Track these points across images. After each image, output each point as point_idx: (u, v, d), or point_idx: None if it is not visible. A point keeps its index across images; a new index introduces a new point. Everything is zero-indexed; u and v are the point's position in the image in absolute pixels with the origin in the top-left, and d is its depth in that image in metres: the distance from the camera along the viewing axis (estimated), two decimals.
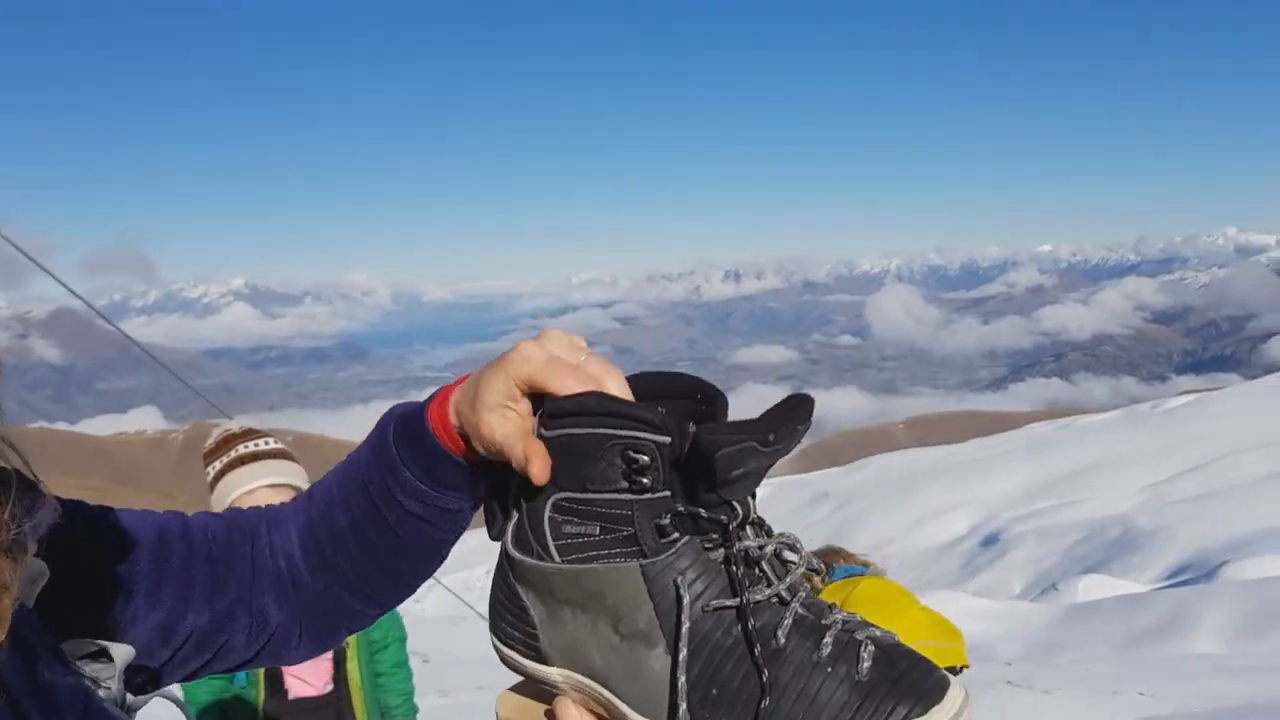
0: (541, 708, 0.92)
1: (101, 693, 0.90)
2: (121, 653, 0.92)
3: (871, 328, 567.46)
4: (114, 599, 1.03)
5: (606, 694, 0.84)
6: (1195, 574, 28.57)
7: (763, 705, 0.76)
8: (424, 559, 1.10)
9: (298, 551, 1.13)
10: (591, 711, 0.86)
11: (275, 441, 3.73)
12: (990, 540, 42.17)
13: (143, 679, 1.03)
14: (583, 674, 0.85)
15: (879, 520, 51.27)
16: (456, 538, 1.10)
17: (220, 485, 3.57)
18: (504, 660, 0.92)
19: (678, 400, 0.87)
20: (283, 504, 1.20)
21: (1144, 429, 57.63)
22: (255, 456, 3.59)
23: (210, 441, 3.73)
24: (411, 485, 1.03)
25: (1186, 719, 9.51)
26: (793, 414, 0.82)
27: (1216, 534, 32.37)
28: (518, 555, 0.88)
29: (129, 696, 0.92)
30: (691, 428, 0.83)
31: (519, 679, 0.94)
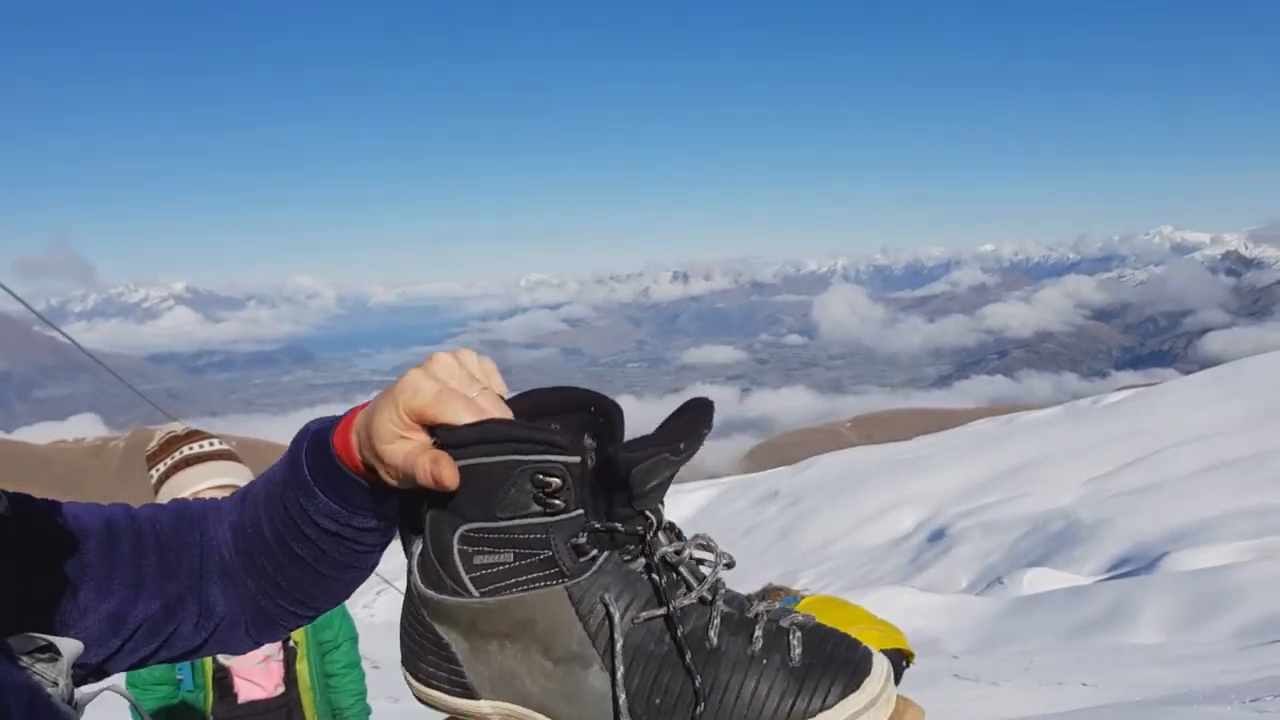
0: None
1: (49, 689, 0.88)
2: (69, 648, 0.91)
3: (819, 327, 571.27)
4: (62, 592, 1.02)
5: None
6: (1136, 566, 29.05)
7: (698, 710, 0.77)
8: (350, 570, 1.09)
9: (230, 549, 1.12)
10: None
11: (220, 443, 3.68)
12: (936, 536, 42.62)
13: (88, 670, 1.01)
14: (518, 704, 0.84)
15: (827, 518, 51.64)
16: (382, 549, 1.08)
17: (165, 488, 3.51)
18: (426, 701, 0.89)
19: (571, 415, 0.85)
20: (224, 498, 1.19)
21: (1084, 424, 58.56)
22: (200, 458, 3.55)
23: (154, 444, 3.66)
24: (325, 505, 1.02)
25: (1127, 708, 9.67)
26: (697, 420, 0.82)
27: (1156, 526, 32.96)
28: (431, 594, 0.86)
29: (76, 692, 0.90)
30: (588, 441, 0.83)
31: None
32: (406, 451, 0.88)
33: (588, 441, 0.83)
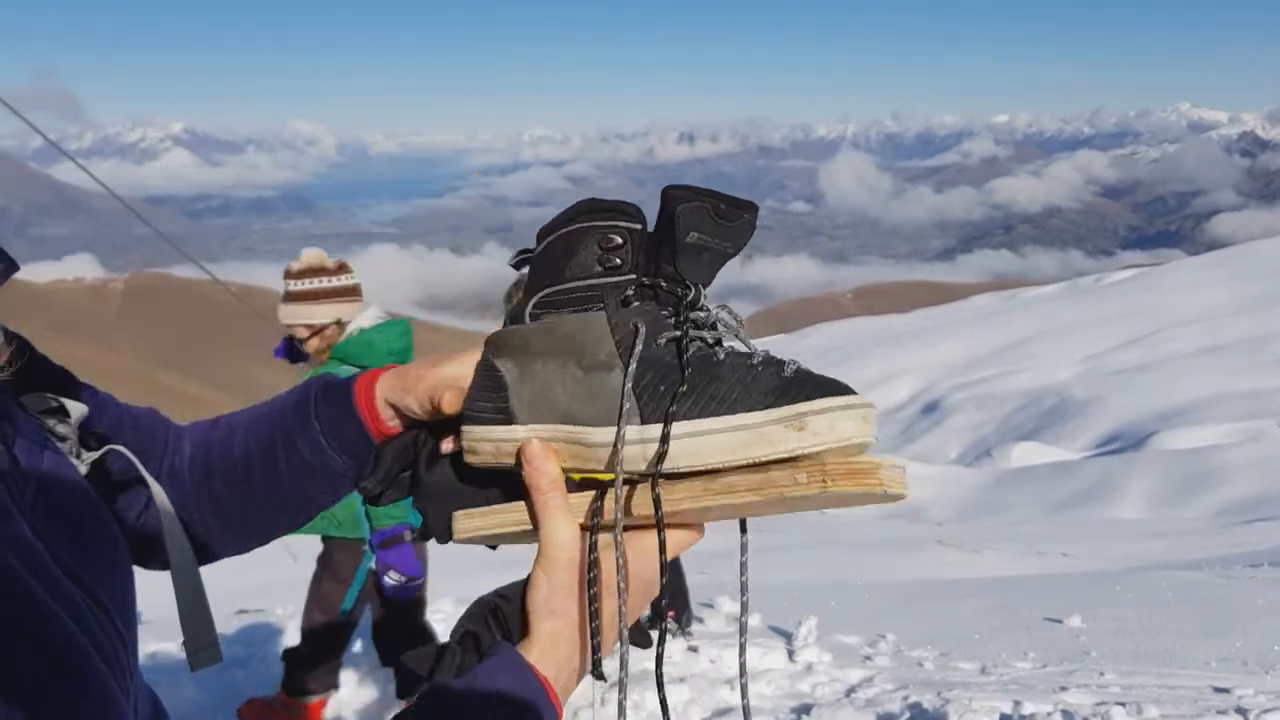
0: (493, 513, 1.00)
1: (59, 445, 0.96)
2: (77, 409, 0.99)
3: (825, 195, 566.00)
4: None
5: (568, 429, 0.94)
6: (1125, 443, 29.33)
7: (682, 389, 0.88)
8: (289, 510, 1.17)
9: (185, 464, 1.17)
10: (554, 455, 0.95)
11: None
12: (930, 408, 42.94)
13: (94, 440, 1.04)
14: (548, 421, 0.94)
15: None
16: (326, 503, 1.17)
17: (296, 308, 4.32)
18: (470, 445, 0.99)
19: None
20: (190, 424, 1.23)
21: (1086, 302, 58.50)
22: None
23: (300, 264, 4.37)
24: (314, 437, 1.11)
25: (1102, 574, 9.85)
26: (740, 204, 0.92)
27: (1147, 405, 33.20)
28: (498, 334, 0.99)
29: (83, 451, 0.97)
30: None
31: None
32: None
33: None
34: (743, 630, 0.94)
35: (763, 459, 0.85)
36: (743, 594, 0.95)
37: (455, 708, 0.86)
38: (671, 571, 4.49)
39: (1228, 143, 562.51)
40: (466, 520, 1.01)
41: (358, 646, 5.21)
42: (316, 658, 4.55)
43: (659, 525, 0.88)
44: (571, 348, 0.93)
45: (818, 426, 0.83)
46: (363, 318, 4.31)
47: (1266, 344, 38.33)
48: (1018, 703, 3.95)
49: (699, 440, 0.87)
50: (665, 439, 0.87)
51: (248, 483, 1.15)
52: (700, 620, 5.94)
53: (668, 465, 0.87)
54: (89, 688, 0.72)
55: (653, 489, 0.88)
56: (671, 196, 0.91)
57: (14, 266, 0.92)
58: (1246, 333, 41.06)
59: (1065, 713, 3.76)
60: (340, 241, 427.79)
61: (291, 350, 4.57)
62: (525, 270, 0.95)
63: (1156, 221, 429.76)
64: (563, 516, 0.93)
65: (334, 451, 1.11)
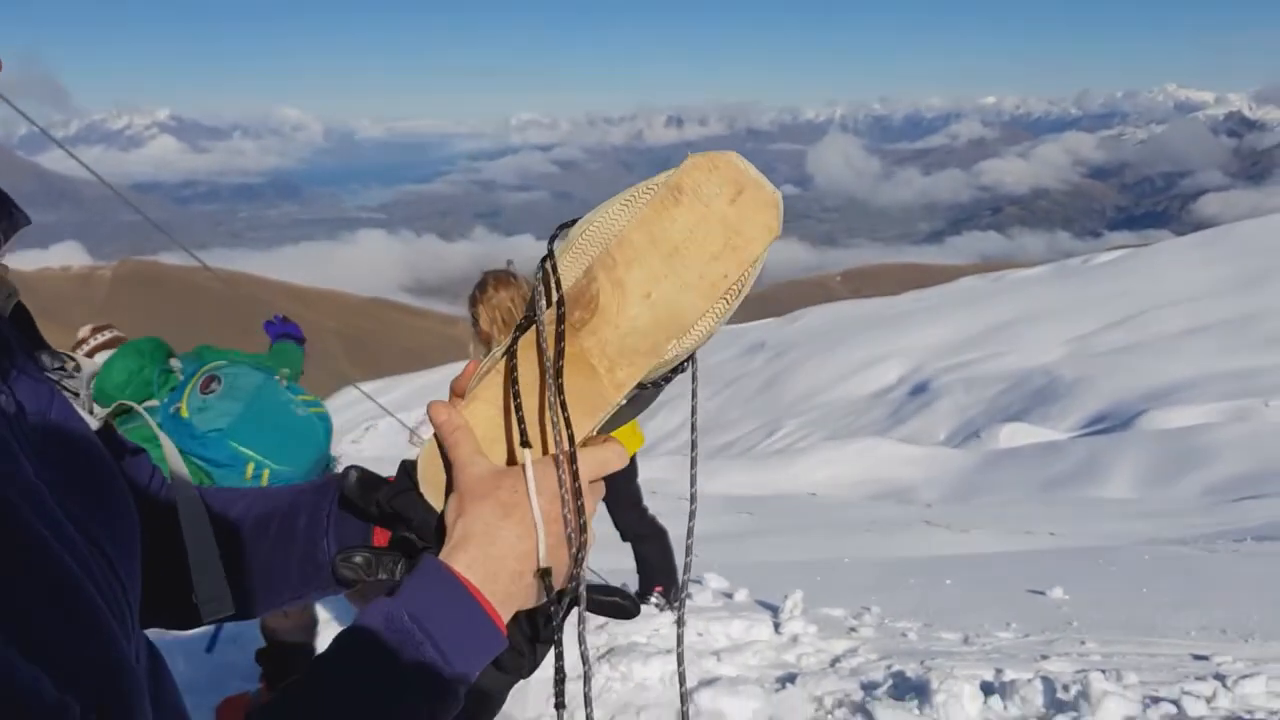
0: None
1: (70, 398, 0.94)
2: (88, 365, 0.94)
3: (813, 178, 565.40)
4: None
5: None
6: (1112, 423, 29.44)
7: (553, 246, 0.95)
8: (277, 592, 1.11)
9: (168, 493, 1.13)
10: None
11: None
12: (919, 390, 43.03)
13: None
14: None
15: (812, 370, 52.03)
16: (291, 593, 1.11)
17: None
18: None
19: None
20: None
21: (1073, 283, 58.65)
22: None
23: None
24: (319, 518, 1.07)
25: (1088, 551, 9.95)
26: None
27: (1135, 385, 33.32)
28: None
29: (95, 407, 0.93)
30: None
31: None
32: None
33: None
34: (687, 569, 0.93)
35: (642, 193, 0.90)
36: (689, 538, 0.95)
37: (367, 656, 0.82)
38: (662, 551, 4.52)
39: (1214, 123, 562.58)
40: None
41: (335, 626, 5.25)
42: (288, 650, 4.58)
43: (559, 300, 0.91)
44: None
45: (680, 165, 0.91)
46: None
47: (1254, 323, 38.50)
48: (999, 670, 4.02)
49: (586, 224, 0.92)
50: (550, 254, 0.92)
51: (233, 535, 1.09)
52: (689, 596, 6.00)
53: (575, 233, 0.92)
54: (83, 616, 0.70)
55: (548, 258, 0.92)
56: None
57: (25, 220, 0.91)
58: (1234, 312, 41.22)
59: (1045, 680, 3.82)
60: (328, 227, 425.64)
61: (282, 328, 4.64)
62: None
63: (1144, 202, 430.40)
64: (469, 441, 0.93)
65: (329, 540, 1.07)
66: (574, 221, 0.95)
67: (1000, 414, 35.16)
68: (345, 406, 57.18)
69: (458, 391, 1.01)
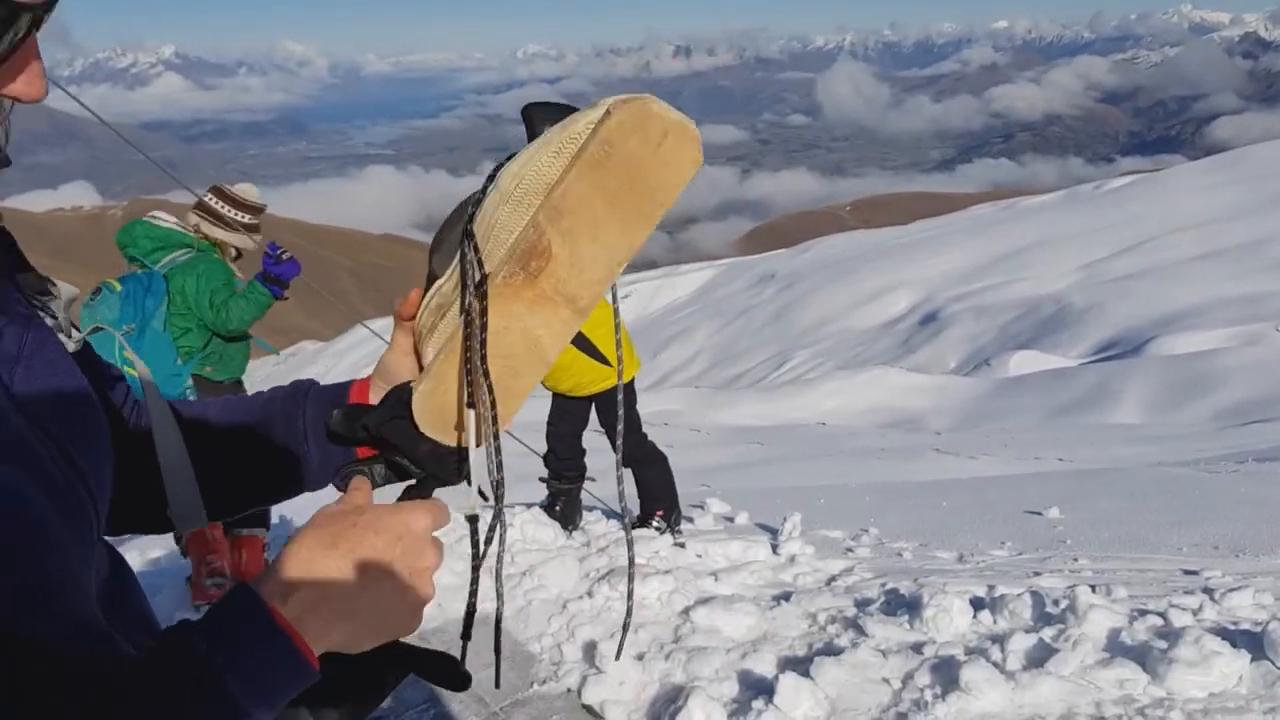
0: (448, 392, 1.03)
1: (48, 320, 0.96)
2: (67, 289, 0.97)
3: (823, 107, 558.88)
4: None
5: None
6: (1122, 349, 29.45)
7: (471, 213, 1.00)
8: (247, 492, 1.15)
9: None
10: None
11: None
12: (929, 319, 43.04)
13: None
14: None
15: (822, 300, 52.00)
16: (289, 495, 1.16)
17: None
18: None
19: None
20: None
21: (1084, 210, 58.21)
22: None
23: None
24: (297, 425, 1.12)
25: (1095, 473, 10.02)
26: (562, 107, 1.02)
27: (1146, 311, 33.27)
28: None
29: (74, 330, 0.95)
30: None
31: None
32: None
33: None
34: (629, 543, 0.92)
35: (567, 143, 0.95)
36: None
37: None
38: (661, 476, 4.62)
39: (1229, 45, 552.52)
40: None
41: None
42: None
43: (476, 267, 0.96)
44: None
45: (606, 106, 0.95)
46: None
47: (1265, 247, 38.25)
48: (991, 587, 4.10)
49: (519, 177, 0.97)
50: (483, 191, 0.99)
51: (211, 440, 1.12)
52: (690, 520, 6.11)
53: (508, 185, 0.97)
54: (19, 517, 0.72)
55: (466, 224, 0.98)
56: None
57: (5, 161, 0.91)
58: (1245, 237, 40.94)
59: (1035, 594, 3.91)
60: (336, 164, 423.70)
61: (274, 267, 4.76)
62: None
63: (1157, 127, 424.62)
64: (363, 490, 0.95)
65: (310, 443, 1.11)
66: (498, 168, 1.00)
67: (1010, 342, 35.18)
68: (358, 343, 57.51)
69: (404, 317, 1.07)
